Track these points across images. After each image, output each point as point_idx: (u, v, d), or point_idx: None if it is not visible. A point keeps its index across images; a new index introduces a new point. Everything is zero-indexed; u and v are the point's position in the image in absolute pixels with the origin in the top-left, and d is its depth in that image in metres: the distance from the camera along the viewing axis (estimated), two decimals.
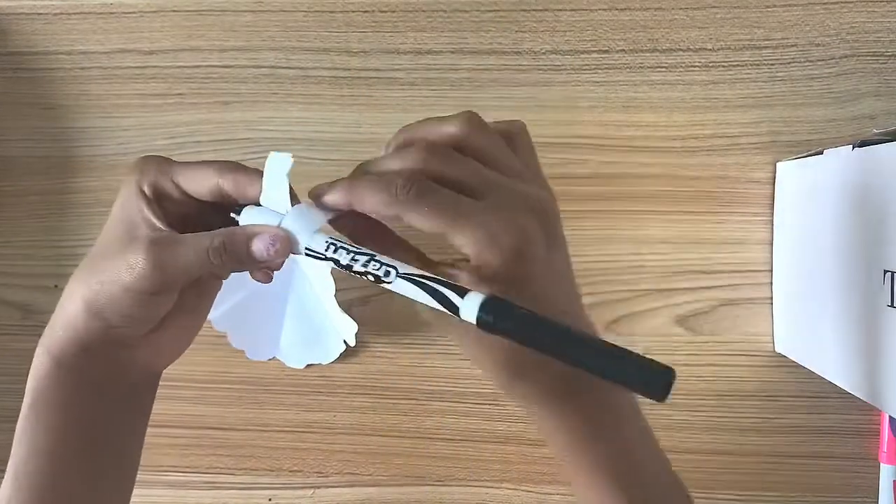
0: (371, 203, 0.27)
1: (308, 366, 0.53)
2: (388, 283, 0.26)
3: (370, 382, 0.54)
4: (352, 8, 0.52)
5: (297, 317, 0.53)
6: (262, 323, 0.53)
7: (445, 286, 0.25)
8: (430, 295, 0.25)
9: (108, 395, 0.32)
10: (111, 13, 0.53)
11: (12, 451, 0.31)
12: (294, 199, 0.29)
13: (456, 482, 0.53)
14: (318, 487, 0.54)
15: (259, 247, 0.28)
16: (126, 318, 0.30)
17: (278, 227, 0.28)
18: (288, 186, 0.28)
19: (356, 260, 0.27)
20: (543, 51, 0.51)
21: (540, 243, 0.27)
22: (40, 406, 0.31)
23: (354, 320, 0.51)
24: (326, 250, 0.28)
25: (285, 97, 0.53)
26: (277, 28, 0.53)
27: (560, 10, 0.51)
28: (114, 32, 0.54)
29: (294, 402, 0.54)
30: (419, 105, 0.52)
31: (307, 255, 0.28)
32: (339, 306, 0.51)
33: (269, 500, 0.55)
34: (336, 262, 0.27)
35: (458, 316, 0.25)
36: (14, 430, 0.56)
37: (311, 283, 0.52)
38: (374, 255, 0.27)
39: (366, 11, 0.52)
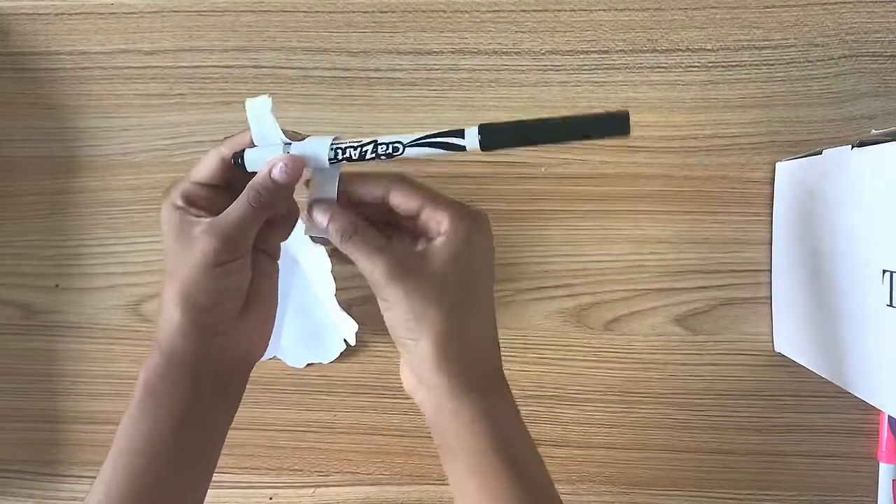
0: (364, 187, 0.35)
1: (308, 365, 0.54)
2: (401, 154, 0.33)
3: (370, 382, 0.54)
4: (352, 8, 0.52)
5: (298, 316, 0.53)
6: None
7: (446, 135, 0.32)
8: (438, 147, 0.32)
9: (206, 388, 0.36)
10: (112, 13, 0.54)
11: (115, 438, 0.35)
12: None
13: None
14: (319, 486, 0.55)
15: (277, 172, 0.33)
16: (213, 294, 0.34)
17: (286, 153, 0.34)
18: (275, 121, 0.34)
19: (365, 151, 0.33)
20: (543, 51, 0.51)
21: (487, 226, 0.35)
22: (147, 398, 0.35)
23: (355, 320, 0.51)
24: (336, 155, 0.33)
25: (286, 97, 0.53)
26: (278, 28, 0.53)
27: (560, 10, 0.51)
28: (115, 33, 0.54)
29: (295, 401, 0.54)
30: (419, 105, 0.52)
31: (330, 161, 0.34)
32: (340, 306, 0.51)
33: (270, 498, 0.55)
34: (349, 159, 0.33)
35: (465, 149, 0.32)
36: (16, 429, 0.56)
37: (312, 282, 0.53)
38: (377, 140, 0.33)
39: (366, 12, 0.52)
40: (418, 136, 0.32)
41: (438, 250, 0.33)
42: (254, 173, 0.35)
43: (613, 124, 0.30)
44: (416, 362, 0.33)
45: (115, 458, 0.34)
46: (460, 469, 0.33)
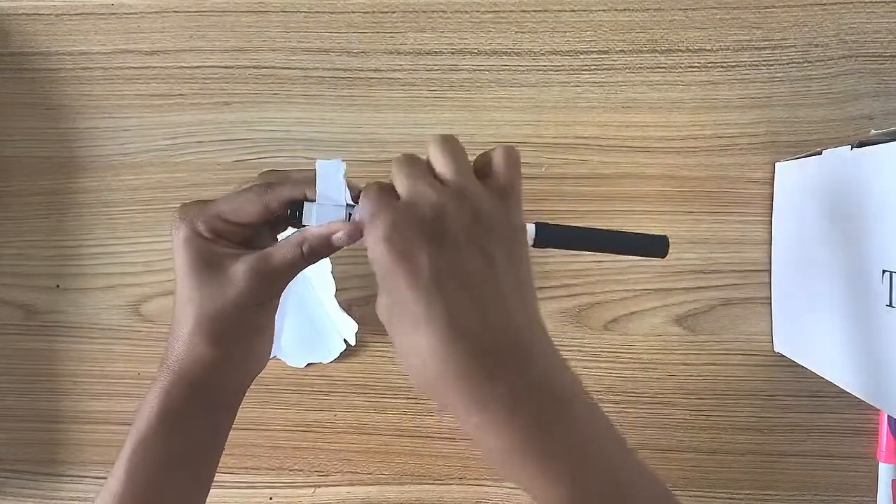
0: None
1: (308, 365, 0.54)
2: None
3: (370, 382, 0.54)
4: (352, 9, 0.52)
5: (298, 317, 0.53)
6: None
7: None
8: None
9: (225, 415, 0.37)
10: (112, 14, 0.54)
11: (125, 462, 0.34)
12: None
13: (456, 481, 0.54)
14: (319, 486, 0.55)
15: (339, 237, 0.33)
16: (248, 329, 0.35)
17: (352, 220, 0.34)
18: (345, 185, 0.34)
19: None
20: (543, 51, 0.51)
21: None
22: (164, 425, 0.34)
23: (355, 320, 0.51)
24: None
25: (286, 98, 0.53)
26: (278, 29, 0.53)
27: (560, 10, 0.51)
28: (115, 33, 0.54)
29: (295, 401, 0.54)
30: (419, 105, 0.52)
31: None
32: (340, 306, 0.51)
33: (270, 498, 0.55)
34: None
35: None
36: (16, 429, 0.56)
37: (312, 283, 0.53)
38: None
39: (366, 12, 0.52)
40: None
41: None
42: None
43: (654, 246, 0.35)
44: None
45: (126, 484, 0.34)
46: None
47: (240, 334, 0.34)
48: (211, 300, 0.33)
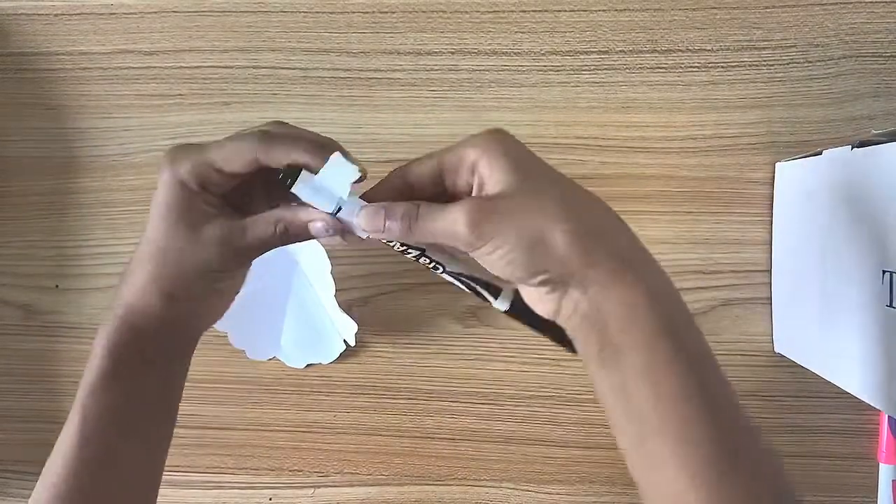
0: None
1: (308, 366, 0.54)
2: (439, 273, 0.34)
3: (370, 382, 0.54)
4: (352, 9, 0.52)
5: (298, 317, 0.53)
6: (263, 323, 0.53)
7: (482, 287, 0.34)
8: (469, 290, 0.34)
9: (174, 358, 0.36)
10: (112, 14, 0.54)
11: (80, 412, 0.33)
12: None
13: (456, 482, 0.54)
14: (319, 486, 0.55)
15: (317, 227, 0.33)
16: (210, 293, 0.34)
17: (333, 216, 0.32)
18: (349, 187, 0.32)
19: (409, 252, 0.33)
20: (543, 51, 0.51)
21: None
22: (118, 370, 0.33)
23: (354, 320, 0.51)
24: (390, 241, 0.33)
25: (285, 98, 0.53)
26: (278, 29, 0.53)
27: (559, 10, 0.51)
28: (114, 33, 0.54)
29: (294, 401, 0.54)
30: (419, 106, 0.52)
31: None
32: (340, 306, 0.51)
33: (270, 499, 0.55)
34: (393, 248, 0.33)
35: (493, 306, 0.34)
36: (16, 429, 0.56)
37: (312, 283, 0.53)
38: (424, 251, 0.33)
39: (366, 12, 0.52)
40: (461, 272, 0.34)
41: (494, 173, 0.30)
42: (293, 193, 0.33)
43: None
44: (557, 264, 0.29)
45: (82, 434, 0.33)
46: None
47: (196, 295, 0.34)
48: (175, 257, 0.32)
